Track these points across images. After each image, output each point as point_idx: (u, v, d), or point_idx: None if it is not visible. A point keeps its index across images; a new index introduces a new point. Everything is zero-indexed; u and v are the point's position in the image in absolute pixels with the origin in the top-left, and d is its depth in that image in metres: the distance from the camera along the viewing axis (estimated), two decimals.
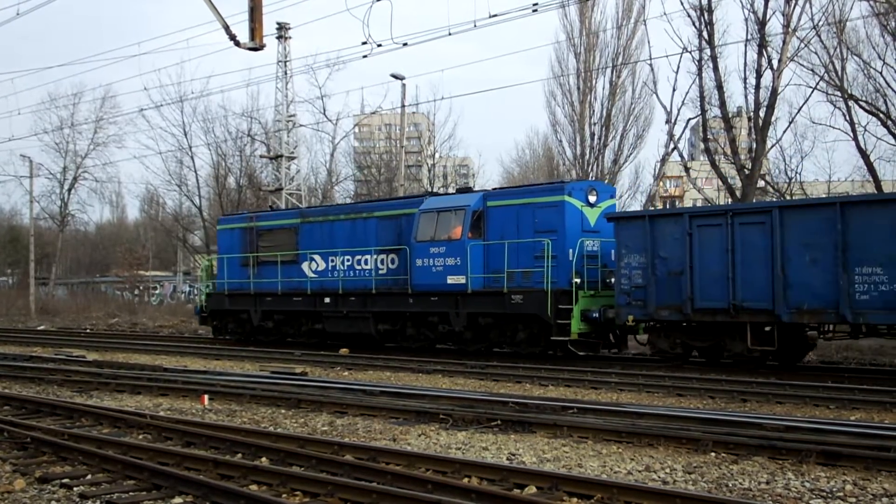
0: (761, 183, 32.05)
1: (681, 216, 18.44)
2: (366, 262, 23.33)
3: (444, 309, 21.47)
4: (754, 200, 28.78)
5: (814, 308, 16.41)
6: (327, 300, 24.07)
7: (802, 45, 29.41)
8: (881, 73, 29.59)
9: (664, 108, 32.93)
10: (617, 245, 19.29)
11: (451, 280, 21.10)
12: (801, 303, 16.52)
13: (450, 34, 24.35)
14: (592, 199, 20.55)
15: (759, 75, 29.35)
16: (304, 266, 24.85)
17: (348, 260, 23.76)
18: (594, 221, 20.34)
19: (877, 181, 30.74)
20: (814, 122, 38.14)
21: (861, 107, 29.97)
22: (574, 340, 19.61)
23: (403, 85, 37.28)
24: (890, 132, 29.55)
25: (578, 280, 19.52)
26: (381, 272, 22.93)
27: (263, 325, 26.26)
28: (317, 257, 24.59)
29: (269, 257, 25.85)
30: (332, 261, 24.09)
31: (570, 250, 19.74)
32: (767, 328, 17.30)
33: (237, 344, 26.71)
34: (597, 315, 19.33)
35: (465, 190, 24.56)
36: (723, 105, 30.38)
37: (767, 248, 16.91)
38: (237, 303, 26.95)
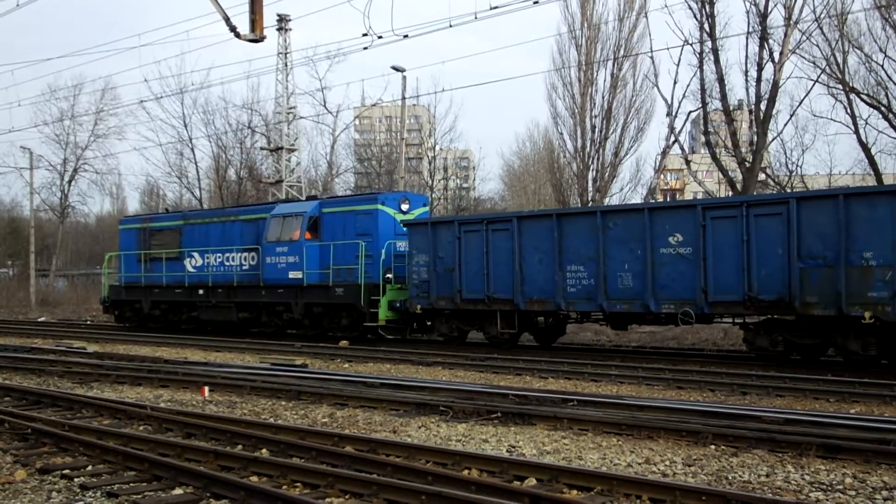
0: (762, 176, 32.06)
1: (452, 223, 22.17)
2: (231, 260, 26.95)
3: (288, 300, 25.00)
4: (754, 193, 28.75)
5: (540, 298, 20.18)
6: (201, 292, 27.54)
7: (804, 38, 29.42)
8: (882, 66, 29.61)
9: (665, 100, 32.95)
10: (409, 247, 22.75)
11: (291, 275, 24.66)
12: (532, 294, 20.30)
13: (451, 26, 24.29)
14: (405, 207, 24.34)
15: (760, 68, 29.32)
16: (186, 262, 28.36)
17: (219, 257, 27.34)
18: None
19: (878, 174, 30.74)
20: (815, 115, 38.23)
21: (862, 100, 29.97)
22: (383, 326, 23.16)
23: (404, 77, 37.26)
24: (891, 125, 29.54)
25: (390, 275, 23.15)
26: (243, 268, 26.49)
27: (152, 314, 29.66)
28: (195, 255, 28.09)
29: (157, 254, 29.32)
30: (207, 258, 27.66)
31: (383, 251, 23.32)
32: (542, 317, 21.61)
33: (237, 336, 26.95)
34: (399, 305, 22.86)
35: (312, 198, 28.69)
36: (724, 98, 30.36)
37: (510, 250, 20.58)
38: (132, 294, 30.28)
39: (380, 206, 23.80)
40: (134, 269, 30.15)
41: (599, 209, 20.33)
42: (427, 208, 25.91)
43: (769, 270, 16.79)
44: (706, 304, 17.60)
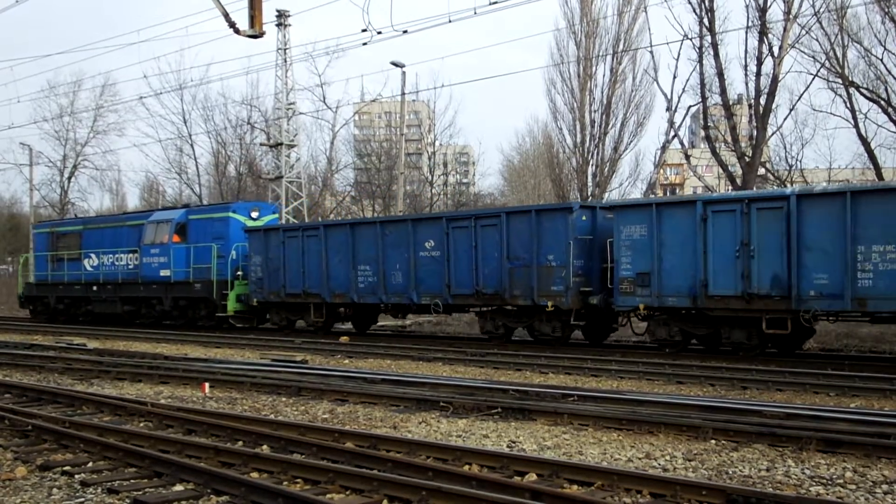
0: (762, 170, 32.03)
1: (279, 230, 26.58)
2: (119, 260, 30.84)
3: (160, 294, 29.16)
4: (754, 188, 28.74)
5: (341, 293, 24.60)
6: (95, 288, 31.47)
7: (803, 32, 29.36)
8: (882, 59, 29.53)
9: (665, 95, 32.96)
10: (248, 249, 27.10)
11: (162, 273, 28.82)
12: (336, 289, 24.66)
13: (450, 21, 24.36)
14: (255, 215, 28.59)
15: (759, 62, 29.31)
16: (85, 262, 32.13)
17: (109, 258, 31.19)
18: None
19: (877, 168, 30.71)
20: (814, 110, 38.31)
21: (862, 94, 29.92)
22: (233, 316, 27.62)
23: (403, 73, 37.23)
24: (891, 119, 29.49)
25: (240, 273, 27.44)
26: (128, 267, 30.33)
27: (58, 308, 33.56)
28: (92, 255, 31.89)
29: (62, 255, 33.24)
30: (101, 258, 31.52)
31: (233, 252, 27.60)
32: (342, 308, 25.91)
33: (238, 332, 27.18)
34: (244, 299, 27.24)
35: (185, 206, 32.70)
36: (723, 92, 30.33)
37: (319, 253, 24.92)
38: (42, 290, 34.32)
39: (231, 214, 28.29)
40: (43, 268, 34.18)
41: (379, 220, 25.93)
42: (276, 216, 30.59)
43: (490, 270, 21.22)
44: (450, 296, 22.15)
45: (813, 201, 16.50)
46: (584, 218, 19.99)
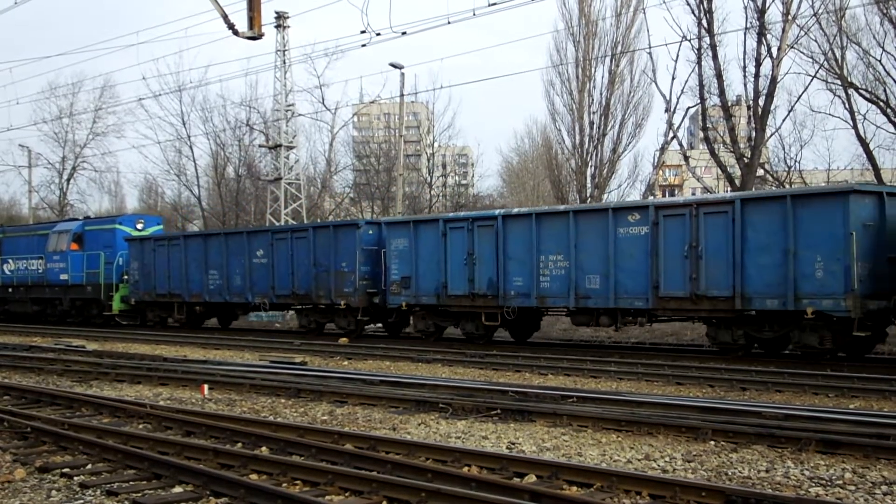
0: (761, 171, 32.04)
1: (149, 240, 30.90)
2: (30, 265, 34.43)
3: (61, 296, 33.10)
4: (753, 189, 28.75)
5: (196, 293, 28.77)
6: (10, 290, 35.39)
7: (802, 33, 29.35)
8: (881, 60, 29.53)
9: (663, 96, 32.87)
10: (129, 257, 31.17)
11: (62, 277, 32.75)
12: (193, 290, 28.83)
13: (449, 23, 24.25)
14: (140, 226, 32.75)
15: (758, 63, 29.30)
16: (4, 267, 35.76)
17: (24, 263, 34.77)
18: None
19: (876, 169, 30.71)
20: (813, 111, 37.98)
21: (861, 95, 29.92)
22: (118, 314, 31.77)
23: (402, 74, 37.22)
24: (889, 120, 29.50)
25: (126, 277, 31.26)
26: (38, 272, 33.88)
27: None
28: (10, 261, 35.46)
29: None
30: (17, 263, 35.08)
31: (119, 259, 31.59)
32: (198, 307, 29.75)
33: (237, 334, 27.30)
34: (128, 299, 31.21)
35: (87, 218, 36.38)
36: (722, 93, 30.33)
37: (181, 259, 29.10)
38: None
39: (117, 226, 32.60)
40: None
41: (224, 231, 31.40)
42: (161, 227, 34.87)
43: (302, 274, 25.43)
44: (275, 296, 26.37)
45: (512, 221, 21.06)
46: (370, 232, 24.54)
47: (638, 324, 19.69)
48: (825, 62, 29.59)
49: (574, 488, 7.55)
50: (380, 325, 26.45)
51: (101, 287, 31.46)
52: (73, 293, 32.52)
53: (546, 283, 20.18)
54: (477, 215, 22.36)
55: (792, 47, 29.39)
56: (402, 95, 38.10)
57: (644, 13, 37.75)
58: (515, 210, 22.59)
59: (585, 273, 19.51)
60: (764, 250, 16.88)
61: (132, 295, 30.92)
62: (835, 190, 17.09)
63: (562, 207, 22.45)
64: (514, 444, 9.69)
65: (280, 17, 39.65)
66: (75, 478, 8.22)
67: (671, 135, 34.05)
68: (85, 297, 32.24)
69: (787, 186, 30.96)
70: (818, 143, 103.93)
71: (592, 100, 39.20)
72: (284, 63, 40.49)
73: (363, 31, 22.60)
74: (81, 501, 7.51)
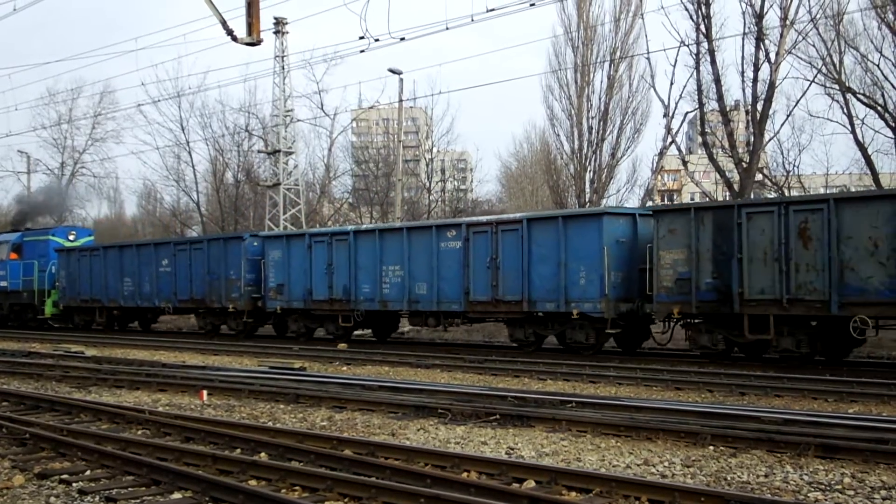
0: (759, 176, 32.07)
1: (74, 251, 33.92)
2: None
3: (1, 301, 36.15)
4: (752, 195, 28.78)
5: (113, 299, 31.96)
6: None
7: (800, 38, 29.43)
8: (878, 65, 29.60)
9: (662, 101, 32.96)
10: (57, 265, 34.21)
11: (2, 284, 35.85)
12: (111, 296, 32.01)
13: (447, 29, 24.24)
14: (72, 237, 35.79)
15: (756, 68, 29.37)
16: None
17: None
18: None
19: (874, 174, 30.76)
20: (811, 115, 38.23)
21: (859, 99, 29.97)
22: (50, 318, 34.99)
23: (401, 80, 37.17)
24: (887, 125, 29.55)
25: (58, 283, 34.16)
26: None
27: None
28: None
29: None
30: None
31: (52, 267, 34.45)
32: (115, 311, 33.00)
33: (235, 340, 27.22)
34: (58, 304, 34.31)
35: (28, 230, 38.46)
36: (720, 98, 30.39)
37: (101, 266, 32.22)
38: None
39: (51, 237, 35.48)
40: None
41: (136, 243, 34.40)
42: (91, 238, 37.75)
43: (199, 281, 28.67)
44: (177, 301, 29.70)
45: (362, 235, 24.51)
46: (255, 244, 27.58)
47: (455, 324, 23.94)
48: (823, 67, 29.68)
49: (573, 494, 7.55)
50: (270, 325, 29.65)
51: (35, 293, 34.87)
52: (12, 299, 35.77)
53: (387, 290, 23.61)
54: (334, 230, 26.35)
55: (790, 52, 29.48)
56: (400, 101, 38.09)
57: (643, 19, 37.83)
58: (364, 227, 26.11)
59: (416, 281, 22.89)
60: (544, 262, 20.33)
61: (61, 300, 34.21)
62: (592, 212, 21.95)
63: (398, 224, 26.35)
64: (513, 449, 9.69)
65: (279, 23, 39.65)
66: (74, 484, 8.21)
67: (670, 140, 34.15)
68: (22, 303, 35.53)
69: (787, 191, 31.03)
70: (816, 147, 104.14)
71: (591, 105, 39.25)
72: (283, 69, 40.50)
73: (362, 37, 22.62)
74: None
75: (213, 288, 28.21)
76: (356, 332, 26.75)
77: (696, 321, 18.67)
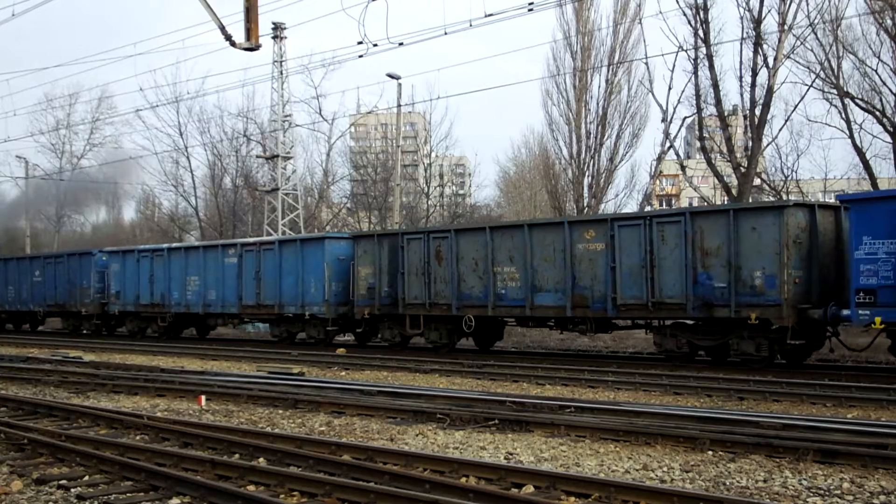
0: (757, 181, 32.11)
1: (11, 260, 38.60)
2: None
3: None
4: (750, 199, 28.80)
5: (24, 303, 36.66)
6: None
7: (798, 43, 29.50)
8: (876, 70, 29.66)
9: (660, 106, 32.98)
10: None
11: None
12: (32, 304, 35.88)
13: (445, 34, 24.28)
14: None
15: (754, 73, 29.42)
16: None
17: None
18: None
19: (872, 179, 30.80)
20: (810, 120, 38.15)
21: (857, 104, 30.04)
22: None
23: (399, 84, 37.23)
24: (885, 130, 29.61)
25: None
26: None
27: None
28: None
29: None
30: None
31: None
32: (2, 314, 38.29)
33: (233, 345, 27.17)
34: None
35: None
36: (718, 103, 30.43)
37: (30, 276, 36.22)
38: None
39: None
40: None
41: (16, 257, 39.82)
42: None
43: (63, 289, 33.46)
44: (46, 305, 34.86)
45: (173, 252, 30.14)
46: (103, 258, 32.67)
47: (233, 325, 30.10)
48: (821, 72, 29.73)
49: (572, 499, 7.54)
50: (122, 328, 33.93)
51: None
52: None
53: (190, 296, 29.16)
54: (155, 248, 31.77)
55: (788, 57, 29.56)
56: (399, 106, 38.14)
57: (641, 24, 37.93)
58: (175, 245, 31.74)
59: (209, 288, 28.66)
60: (290, 275, 25.86)
61: None
62: (317, 237, 27.73)
63: (196, 244, 31.86)
64: (511, 454, 9.68)
65: (277, 29, 39.72)
66: (72, 489, 8.20)
67: (668, 144, 34.17)
68: None
69: (785, 196, 31.05)
70: (815, 152, 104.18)
71: (589, 110, 39.22)
72: (281, 74, 40.59)
73: (360, 42, 22.65)
74: None
75: (72, 295, 33.46)
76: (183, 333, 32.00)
77: (384, 320, 24.00)
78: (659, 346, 19.17)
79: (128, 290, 31.10)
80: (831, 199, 22.19)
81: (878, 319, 15.73)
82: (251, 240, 29.88)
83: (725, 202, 31.46)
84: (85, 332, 34.11)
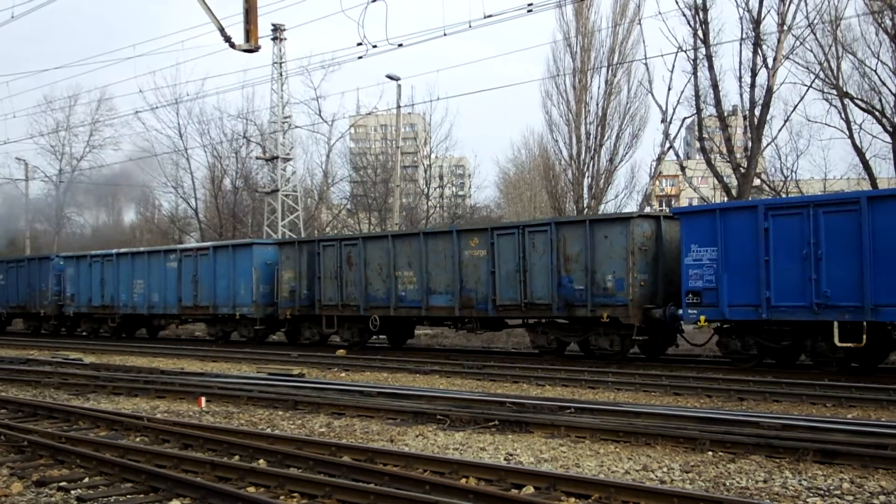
0: (757, 181, 32.12)
1: None
2: None
3: None
4: (750, 198, 28.81)
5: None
6: None
7: (797, 44, 29.53)
8: (876, 71, 29.69)
9: (660, 107, 33.04)
10: None
11: None
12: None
13: (445, 35, 24.27)
14: None
15: (754, 74, 29.45)
16: None
17: None
18: None
19: (872, 179, 30.83)
20: (809, 121, 38.25)
21: (856, 104, 30.08)
22: None
23: (399, 86, 37.26)
24: (885, 130, 29.63)
25: None
26: None
27: None
28: None
29: None
30: None
31: None
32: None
33: (234, 346, 27.25)
34: None
35: None
36: (718, 104, 30.46)
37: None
38: None
39: None
40: None
41: (6, 259, 39.97)
42: None
43: (24, 292, 35.73)
44: (8, 307, 36.86)
45: (121, 258, 31.44)
46: (61, 263, 34.35)
47: (175, 325, 32.16)
48: (821, 72, 29.76)
49: (572, 500, 7.54)
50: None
51: None
52: None
53: (136, 298, 30.67)
54: (105, 253, 32.75)
55: (788, 57, 29.59)
56: (398, 107, 38.17)
57: (640, 24, 37.97)
58: (123, 250, 32.71)
59: (152, 291, 30.36)
60: (223, 278, 27.58)
61: None
62: (244, 243, 29.01)
63: (141, 249, 32.90)
64: (511, 455, 9.68)
65: (277, 30, 39.76)
66: (72, 491, 8.20)
67: (667, 145, 34.20)
68: None
69: (784, 196, 31.05)
70: (815, 152, 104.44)
71: (589, 110, 39.24)
72: (281, 75, 40.61)
73: (360, 44, 22.64)
74: None
75: (32, 297, 35.42)
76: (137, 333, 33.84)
77: (304, 320, 25.82)
78: (533, 343, 21.31)
79: (82, 293, 32.86)
80: None
81: (703, 318, 17.78)
82: (190, 245, 32.75)
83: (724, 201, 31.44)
84: (44, 332, 35.65)
